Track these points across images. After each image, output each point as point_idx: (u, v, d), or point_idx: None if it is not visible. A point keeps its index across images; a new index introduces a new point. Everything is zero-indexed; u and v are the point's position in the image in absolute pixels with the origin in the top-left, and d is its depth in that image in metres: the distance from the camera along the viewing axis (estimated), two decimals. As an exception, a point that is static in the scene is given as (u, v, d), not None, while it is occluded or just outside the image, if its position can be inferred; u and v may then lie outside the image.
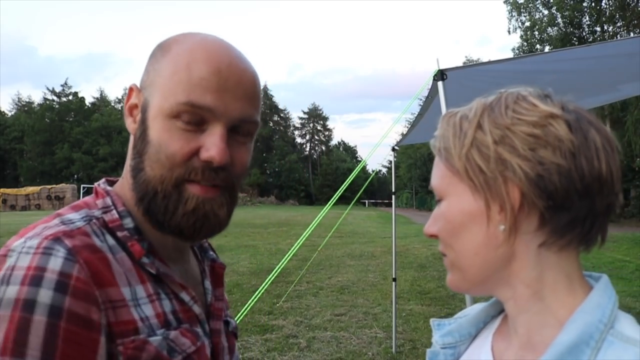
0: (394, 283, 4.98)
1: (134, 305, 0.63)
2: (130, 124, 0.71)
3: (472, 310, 0.77)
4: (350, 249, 12.20)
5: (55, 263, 0.56)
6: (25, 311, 0.53)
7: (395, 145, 5.70)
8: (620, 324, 0.59)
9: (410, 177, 51.87)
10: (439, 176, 0.66)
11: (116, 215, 0.68)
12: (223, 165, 0.65)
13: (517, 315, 0.64)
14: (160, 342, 0.63)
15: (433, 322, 0.80)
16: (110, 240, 0.65)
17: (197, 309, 0.72)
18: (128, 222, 0.68)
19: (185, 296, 0.70)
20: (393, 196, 5.32)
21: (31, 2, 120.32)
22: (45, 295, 0.54)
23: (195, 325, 0.71)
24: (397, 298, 5.14)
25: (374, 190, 60.41)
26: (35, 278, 0.55)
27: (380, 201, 53.12)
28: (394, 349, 4.74)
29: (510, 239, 0.61)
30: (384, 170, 64.87)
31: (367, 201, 57.29)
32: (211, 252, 0.86)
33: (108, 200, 0.69)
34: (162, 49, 0.70)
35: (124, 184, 0.72)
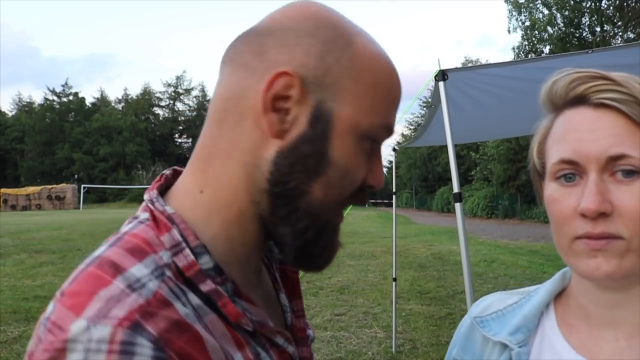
0: (394, 283, 4.99)
1: None
2: (274, 123, 0.51)
3: (506, 301, 0.75)
4: (350, 248, 12.19)
5: None
6: None
7: (397, 146, 5.73)
8: None
9: (410, 177, 51.87)
10: None
11: (191, 257, 0.50)
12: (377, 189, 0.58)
13: (624, 306, 0.63)
14: None
15: (476, 319, 0.76)
16: (194, 299, 0.49)
17: (291, 349, 0.59)
18: (206, 262, 0.50)
19: (279, 339, 0.57)
20: (394, 196, 5.33)
21: (36, 3, 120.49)
22: None
23: None
24: (397, 298, 5.15)
25: (373, 191, 60.24)
26: None
27: (381, 201, 53.12)
28: (393, 349, 4.74)
29: None
30: (384, 170, 64.66)
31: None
32: (276, 250, 0.67)
33: (176, 234, 0.50)
34: (342, 35, 0.53)
35: (204, 200, 0.54)
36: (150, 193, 0.55)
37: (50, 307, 0.46)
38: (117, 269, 0.46)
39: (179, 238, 0.50)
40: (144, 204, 0.55)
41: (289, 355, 0.58)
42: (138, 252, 0.48)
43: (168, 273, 0.48)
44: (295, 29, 0.52)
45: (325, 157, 0.52)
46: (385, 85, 0.55)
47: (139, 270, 0.47)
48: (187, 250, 0.50)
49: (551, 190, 0.63)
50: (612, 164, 0.58)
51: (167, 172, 0.59)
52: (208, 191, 0.53)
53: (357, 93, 0.52)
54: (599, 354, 0.63)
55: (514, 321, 0.71)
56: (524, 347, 0.68)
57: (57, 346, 0.41)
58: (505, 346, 0.70)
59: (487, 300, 0.79)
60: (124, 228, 0.52)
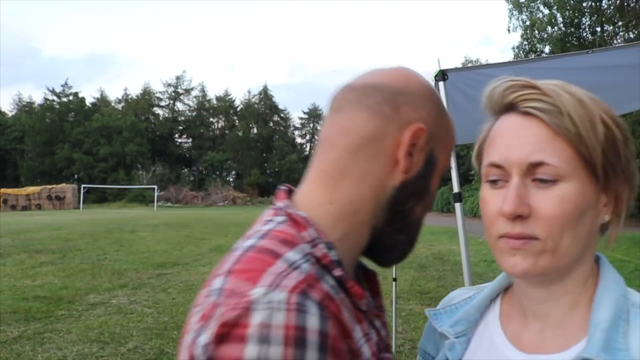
0: (394, 283, 4.99)
1: (360, 349, 0.63)
2: (407, 162, 0.67)
3: (463, 295, 0.83)
4: (351, 249, 12.19)
5: (313, 322, 0.54)
6: None
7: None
8: (632, 296, 0.67)
9: (411, 177, 51.86)
10: (563, 157, 0.62)
11: (325, 250, 0.63)
12: None
13: (550, 300, 0.68)
14: None
15: (429, 312, 0.83)
16: (330, 280, 0.62)
17: (384, 332, 0.72)
18: (334, 255, 0.64)
19: (377, 322, 0.71)
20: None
21: (36, 4, 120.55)
22: (311, 356, 0.52)
23: (388, 351, 0.72)
24: (397, 298, 5.15)
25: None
26: (299, 340, 0.52)
27: (381, 201, 53.06)
28: (394, 349, 4.74)
29: (600, 230, 0.67)
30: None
31: (367, 201, 57.19)
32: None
33: (312, 232, 0.64)
34: (442, 104, 0.73)
35: (332, 210, 0.68)
36: (284, 202, 0.69)
37: (218, 282, 0.58)
38: (275, 254, 0.59)
39: (315, 235, 0.64)
40: (271, 211, 0.69)
41: (381, 337, 0.71)
42: (288, 242, 0.62)
43: (311, 259, 0.61)
44: (419, 94, 0.70)
45: (429, 188, 0.71)
46: (453, 140, 0.76)
47: (292, 255, 0.60)
48: (322, 245, 0.63)
49: (483, 191, 0.69)
50: (533, 170, 0.62)
51: (284, 188, 0.73)
52: (337, 204, 0.67)
53: (447, 145, 0.73)
54: (527, 343, 0.69)
55: (457, 314, 0.79)
56: (462, 337, 0.76)
57: (243, 305, 0.53)
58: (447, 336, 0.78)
59: (451, 295, 0.86)
60: (266, 227, 0.65)
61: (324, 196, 0.68)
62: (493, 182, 0.66)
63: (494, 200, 0.65)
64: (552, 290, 0.67)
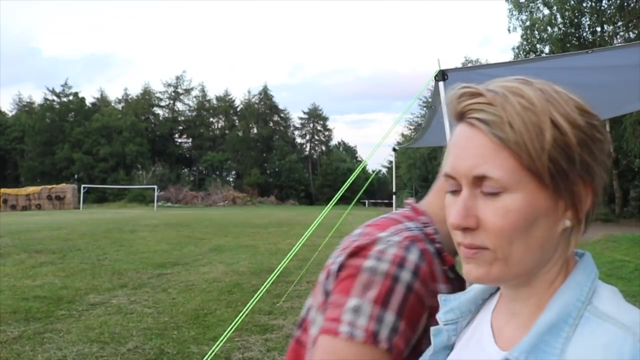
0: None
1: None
2: None
3: (474, 289, 0.83)
4: (351, 249, 12.17)
5: (413, 257, 0.86)
6: (392, 281, 0.83)
7: (397, 146, 5.75)
8: (599, 299, 0.63)
9: (410, 177, 51.87)
10: (506, 169, 0.60)
11: (431, 230, 0.96)
12: None
13: (519, 300, 0.69)
14: None
15: (440, 297, 0.84)
16: (432, 247, 0.92)
17: None
18: (438, 237, 0.95)
19: None
20: (394, 196, 5.34)
21: (36, 4, 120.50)
22: (405, 275, 0.84)
23: None
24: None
25: (373, 191, 60.29)
26: (400, 263, 0.85)
27: (380, 201, 53.15)
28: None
29: (565, 234, 0.64)
30: (384, 170, 64.86)
31: (367, 201, 57.28)
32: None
33: (426, 218, 0.99)
34: None
35: (444, 214, 0.90)
36: (411, 200, 1.06)
37: (358, 230, 0.97)
38: (399, 221, 0.96)
39: (428, 220, 0.98)
40: (403, 211, 1.03)
41: None
42: (409, 218, 0.99)
43: (422, 231, 0.94)
44: None
45: None
46: None
47: (410, 224, 0.96)
48: (431, 227, 0.97)
49: (446, 198, 0.69)
50: (479, 182, 0.62)
51: (412, 197, 1.09)
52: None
53: None
54: (505, 339, 0.70)
55: (453, 303, 0.81)
56: (451, 325, 0.79)
57: (370, 240, 0.89)
58: None
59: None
60: (396, 212, 1.02)
61: (438, 204, 0.99)
62: (451, 190, 0.66)
63: (452, 208, 0.65)
64: (520, 292, 0.68)
